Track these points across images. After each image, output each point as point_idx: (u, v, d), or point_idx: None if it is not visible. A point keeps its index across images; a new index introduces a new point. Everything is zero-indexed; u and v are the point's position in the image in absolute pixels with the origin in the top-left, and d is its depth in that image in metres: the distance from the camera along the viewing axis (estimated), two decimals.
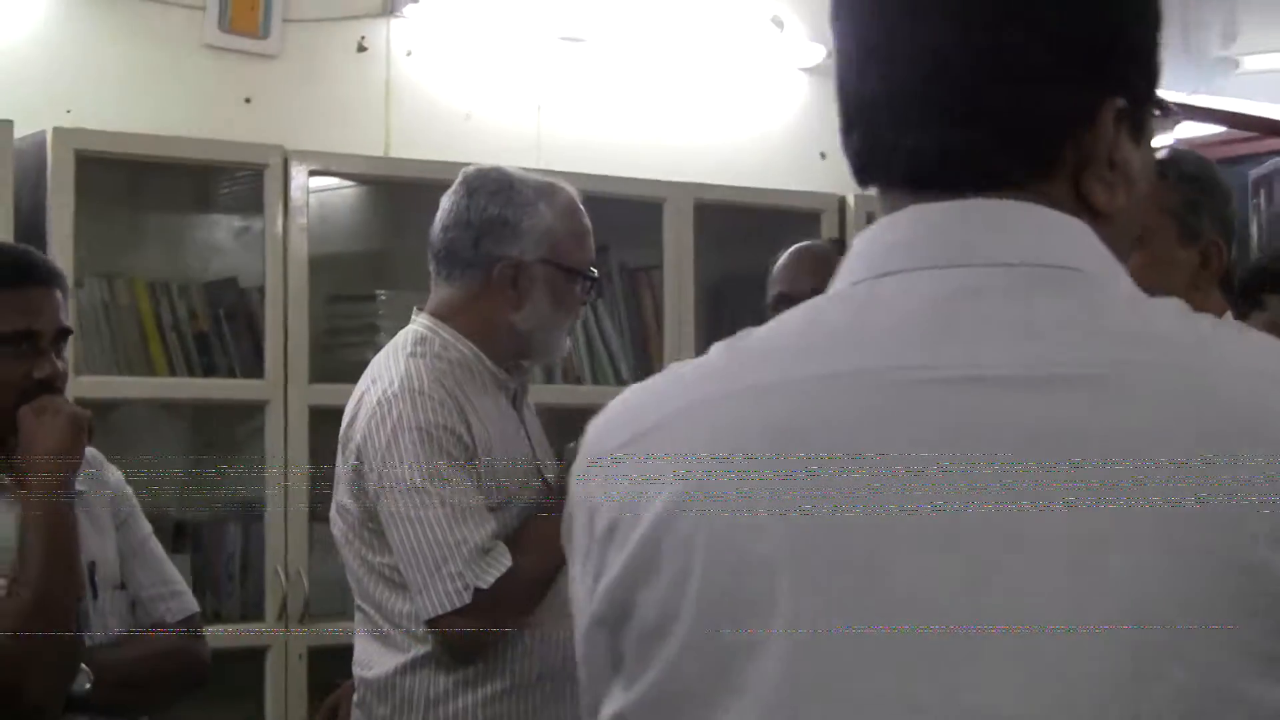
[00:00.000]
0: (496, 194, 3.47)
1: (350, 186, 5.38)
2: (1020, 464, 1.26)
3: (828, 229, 5.66)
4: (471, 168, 3.61)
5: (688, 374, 1.43)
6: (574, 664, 1.47)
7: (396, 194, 5.39)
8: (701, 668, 1.34)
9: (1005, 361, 1.30)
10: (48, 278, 3.28)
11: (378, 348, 4.97)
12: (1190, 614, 1.24)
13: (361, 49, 5.63)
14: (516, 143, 5.65)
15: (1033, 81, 1.37)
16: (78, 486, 3.16)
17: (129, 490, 3.46)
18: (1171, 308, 1.36)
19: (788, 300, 3.27)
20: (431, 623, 3.23)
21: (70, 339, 3.35)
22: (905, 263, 1.37)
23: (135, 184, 5.14)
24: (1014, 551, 1.26)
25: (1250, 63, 6.97)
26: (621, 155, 5.71)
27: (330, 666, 4.61)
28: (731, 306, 5.66)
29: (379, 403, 3.33)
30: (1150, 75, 1.44)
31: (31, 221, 4.56)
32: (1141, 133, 1.43)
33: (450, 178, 5.06)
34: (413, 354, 3.39)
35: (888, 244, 1.40)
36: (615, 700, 1.41)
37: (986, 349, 1.31)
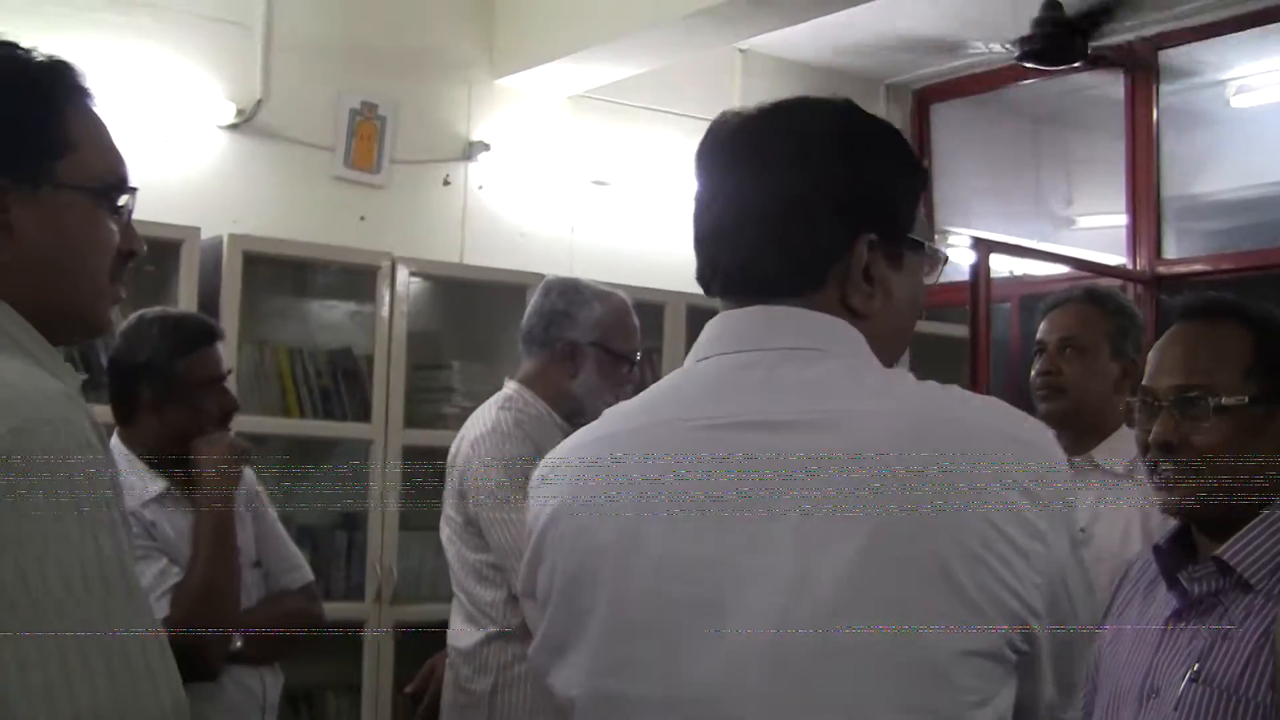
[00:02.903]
0: (564, 293, 3.51)
1: (435, 283, 5.44)
2: (762, 480, 1.40)
3: None
4: (553, 276, 3.68)
5: (589, 426, 1.61)
6: None
7: (468, 290, 5.44)
8: (564, 625, 1.54)
9: (758, 411, 1.44)
10: (216, 337, 3.28)
11: (451, 403, 5.13)
12: (892, 605, 1.34)
13: (446, 183, 5.71)
14: (555, 255, 5.74)
15: (805, 223, 1.49)
16: None
17: (259, 487, 3.41)
18: (898, 375, 1.49)
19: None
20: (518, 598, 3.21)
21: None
22: (714, 349, 1.53)
23: (282, 276, 5.20)
24: (753, 551, 1.39)
25: (1084, 221, 7.08)
26: (634, 267, 5.76)
27: (412, 638, 4.71)
28: None
29: (477, 440, 3.40)
30: (902, 219, 1.54)
31: (208, 300, 4.63)
32: (899, 258, 1.53)
33: (507, 280, 5.24)
34: (503, 407, 3.46)
35: (709, 337, 1.55)
36: (533, 643, 1.60)
37: (748, 404, 1.45)
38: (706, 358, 1.53)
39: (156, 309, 3.34)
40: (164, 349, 3.15)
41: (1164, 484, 2.20)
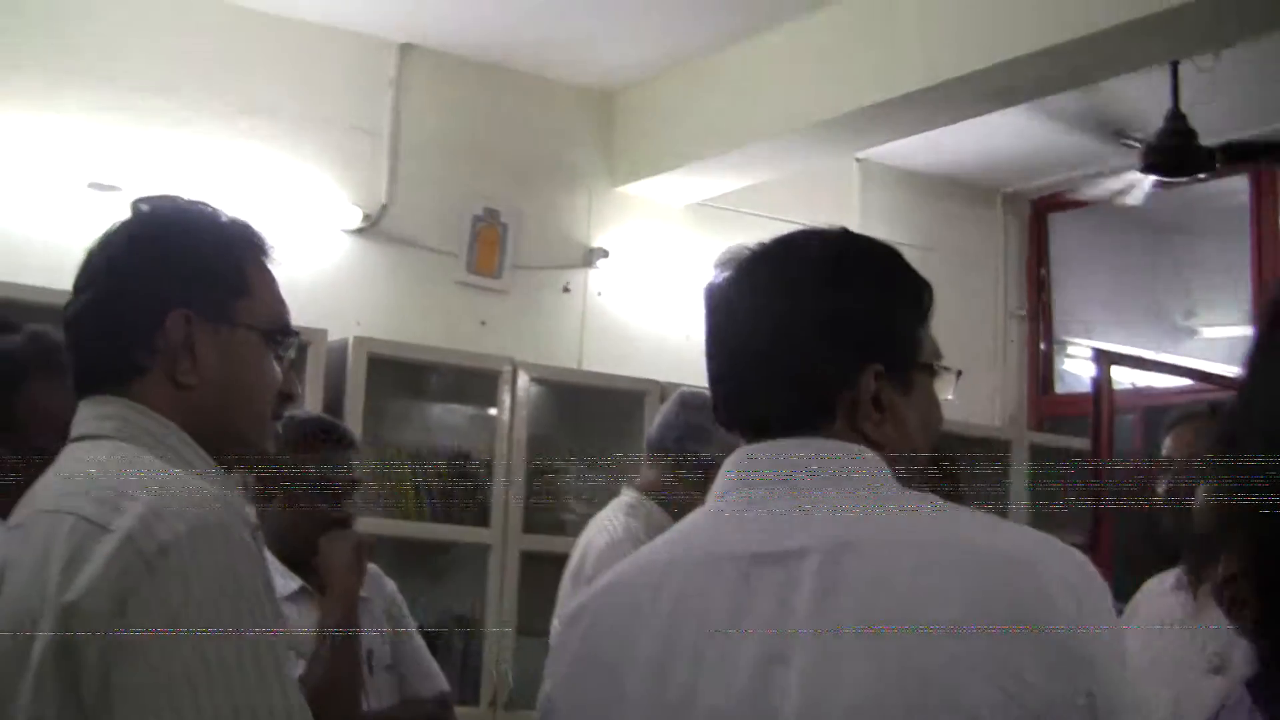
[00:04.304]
0: (700, 409, 3.46)
1: (554, 388, 5.41)
2: (786, 609, 1.40)
3: None
4: (686, 388, 3.66)
5: (621, 564, 1.64)
6: None
7: (586, 395, 5.40)
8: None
9: (783, 542, 1.44)
10: (346, 443, 3.31)
11: (568, 509, 5.08)
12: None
13: (566, 290, 5.73)
14: (672, 361, 5.63)
15: (808, 357, 1.51)
16: (360, 594, 3.17)
17: (400, 597, 3.42)
18: (921, 499, 1.48)
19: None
20: None
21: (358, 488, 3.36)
22: (736, 486, 1.54)
23: (403, 378, 5.20)
24: (777, 664, 1.38)
25: (1208, 331, 6.97)
26: None
27: None
28: None
29: (607, 546, 3.38)
30: (907, 344, 1.56)
31: (333, 401, 4.66)
32: (908, 383, 1.55)
33: (625, 387, 5.20)
34: (628, 514, 3.45)
35: (730, 474, 1.55)
36: None
37: (773, 536, 1.45)
38: (727, 494, 1.55)
39: (291, 414, 3.35)
40: (289, 450, 3.15)
41: None
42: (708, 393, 1.62)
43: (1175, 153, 5.26)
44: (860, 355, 1.52)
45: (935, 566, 1.37)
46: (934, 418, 1.60)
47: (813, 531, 1.44)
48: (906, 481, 1.53)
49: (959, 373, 1.64)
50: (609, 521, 3.49)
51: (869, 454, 1.50)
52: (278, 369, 1.82)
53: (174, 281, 1.74)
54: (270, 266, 1.84)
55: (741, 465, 1.55)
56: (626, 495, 3.53)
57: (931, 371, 1.59)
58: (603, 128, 5.89)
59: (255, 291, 1.79)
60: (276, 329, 1.81)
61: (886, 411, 1.52)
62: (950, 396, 1.62)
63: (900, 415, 1.53)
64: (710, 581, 1.47)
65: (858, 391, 1.51)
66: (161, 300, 1.72)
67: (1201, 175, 5.39)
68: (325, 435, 3.28)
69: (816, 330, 1.52)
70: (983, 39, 4.56)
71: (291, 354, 1.87)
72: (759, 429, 1.55)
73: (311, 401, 4.53)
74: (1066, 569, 1.38)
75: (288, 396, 1.86)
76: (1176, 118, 5.22)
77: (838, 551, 1.41)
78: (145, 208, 1.82)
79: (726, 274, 1.59)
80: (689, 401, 3.55)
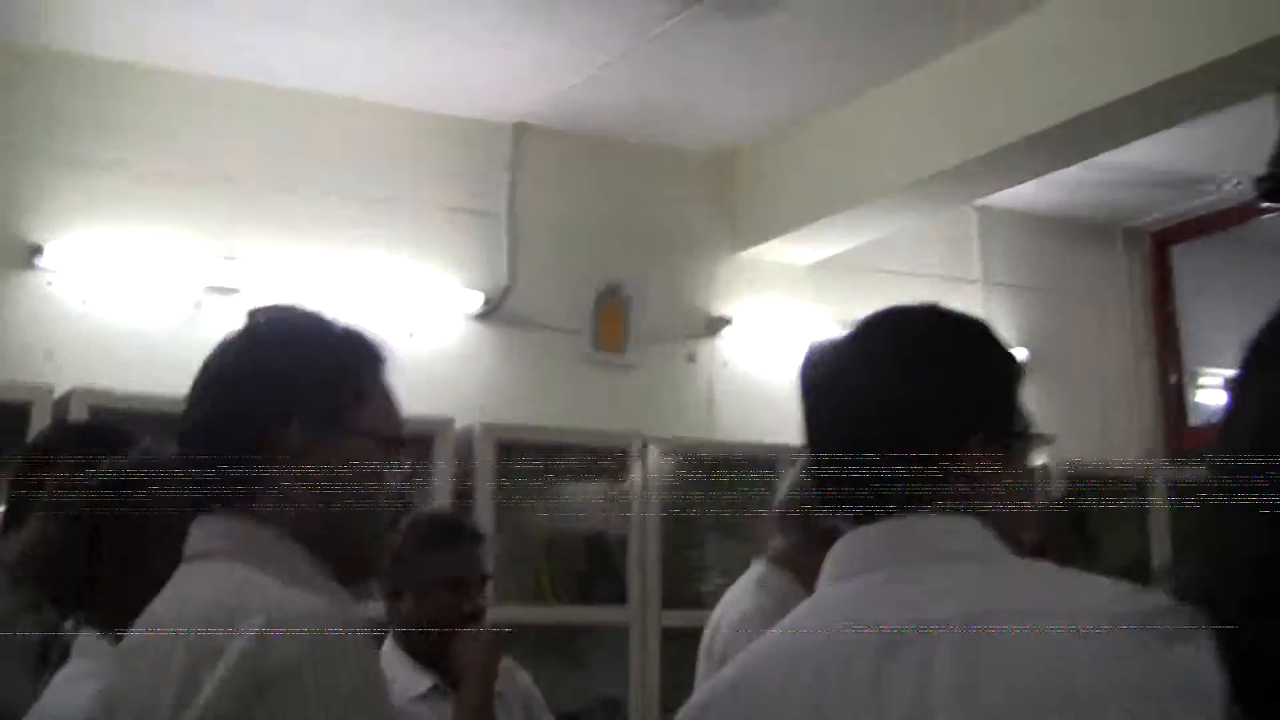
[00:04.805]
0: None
1: (686, 460, 5.32)
2: (925, 691, 1.38)
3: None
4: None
5: (742, 655, 1.62)
6: None
7: (719, 465, 5.28)
8: None
9: (912, 620, 1.42)
10: (475, 538, 3.31)
11: (707, 581, 5.01)
12: None
13: (691, 359, 5.67)
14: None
15: (912, 434, 1.52)
16: (495, 689, 3.15)
17: (535, 690, 3.42)
18: (1041, 569, 1.49)
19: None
20: None
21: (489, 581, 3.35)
22: (852, 568, 1.54)
23: (533, 460, 5.06)
24: None
25: None
26: None
27: None
28: None
29: (737, 621, 3.34)
30: (1004, 412, 1.58)
31: (463, 490, 4.64)
32: (1007, 450, 1.55)
33: (756, 455, 5.13)
34: (758, 587, 3.40)
35: (843, 556, 1.56)
36: None
37: (901, 616, 1.43)
38: (843, 579, 1.55)
39: (422, 512, 3.38)
40: (418, 548, 3.17)
41: None
42: None
43: None
44: (960, 428, 1.54)
45: (1078, 636, 1.35)
46: (1028, 485, 1.62)
47: (943, 610, 1.43)
48: (1019, 549, 1.54)
49: (1050, 439, 1.66)
50: (739, 597, 3.45)
51: (979, 526, 1.51)
52: (394, 479, 1.79)
53: (287, 393, 1.72)
54: (386, 374, 1.81)
55: (856, 546, 1.55)
56: (756, 567, 3.51)
57: (1028, 439, 1.60)
58: (721, 193, 5.85)
59: (370, 401, 1.77)
60: (391, 438, 1.78)
61: (990, 482, 1.53)
62: (1035, 460, 1.63)
63: (1003, 484, 1.54)
64: (845, 669, 1.44)
65: (960, 464, 1.52)
66: (275, 412, 1.70)
67: None
68: (452, 532, 3.29)
69: (915, 406, 1.54)
70: (1087, 81, 4.51)
71: (407, 464, 1.84)
72: (865, 508, 1.54)
73: (441, 491, 4.52)
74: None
75: (404, 508, 1.85)
76: None
77: (971, 629, 1.40)
78: (261, 318, 1.82)
79: (819, 356, 1.63)
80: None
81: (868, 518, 1.54)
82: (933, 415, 1.53)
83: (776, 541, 3.52)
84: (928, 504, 1.52)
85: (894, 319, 1.63)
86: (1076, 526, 3.51)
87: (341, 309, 1.82)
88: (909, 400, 1.54)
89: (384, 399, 1.80)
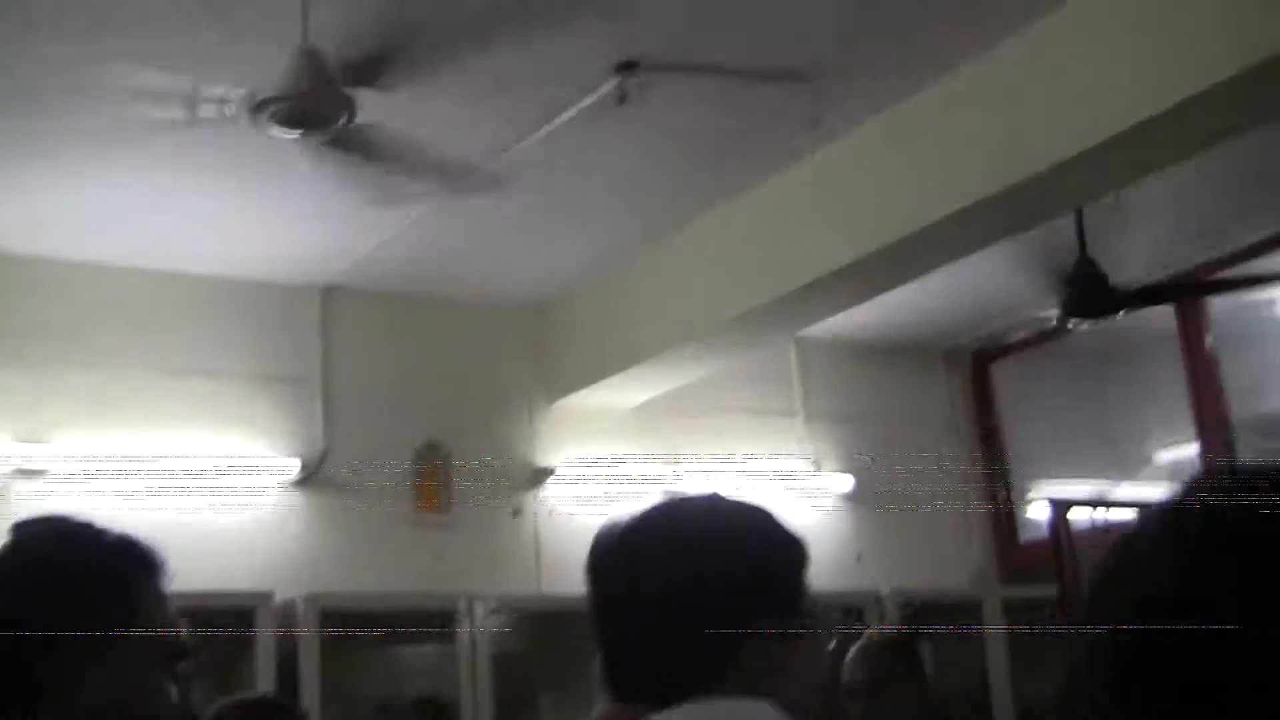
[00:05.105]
0: None
1: (516, 616, 5.29)
2: None
3: (870, 620, 5.40)
4: None
5: None
6: None
7: (549, 619, 5.25)
8: None
9: None
10: (301, 716, 3.24)
11: None
12: None
13: (515, 513, 5.65)
14: None
15: (691, 623, 1.51)
16: None
17: None
18: None
19: (848, 689, 3.22)
20: None
21: None
22: None
23: (360, 627, 4.94)
24: None
25: (1161, 455, 6.90)
26: None
27: None
28: None
29: None
30: (789, 600, 1.57)
31: (288, 664, 4.55)
32: (793, 636, 1.55)
33: (585, 607, 5.08)
34: None
35: None
36: None
37: None
38: None
39: (232, 699, 3.30)
40: None
41: None
42: None
43: (1088, 296, 5.29)
44: (745, 613, 1.52)
45: None
46: (819, 667, 1.61)
47: None
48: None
49: (838, 623, 1.67)
50: None
51: (768, 709, 1.49)
52: (174, 690, 1.73)
53: (57, 610, 1.64)
54: (162, 582, 1.74)
55: None
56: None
57: (814, 621, 1.60)
58: (535, 344, 5.88)
59: (142, 613, 1.70)
60: (170, 651, 1.73)
61: (775, 666, 1.52)
62: (832, 644, 1.63)
63: (788, 667, 1.54)
64: None
65: (747, 649, 1.51)
66: (40, 642, 1.62)
67: (1118, 314, 5.41)
68: (271, 715, 3.20)
69: (699, 594, 1.53)
70: (900, 208, 4.55)
71: (191, 671, 1.78)
72: (653, 698, 1.52)
73: (263, 668, 4.44)
74: None
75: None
76: (1084, 263, 5.26)
77: None
78: (22, 532, 1.74)
79: (605, 548, 1.60)
80: None
81: (655, 706, 1.53)
82: (714, 601, 1.53)
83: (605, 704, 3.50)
84: (712, 690, 1.51)
85: (677, 508, 1.65)
86: (906, 656, 3.52)
87: (150, 488, 1.80)
88: (691, 587, 1.54)
89: (159, 608, 1.74)
